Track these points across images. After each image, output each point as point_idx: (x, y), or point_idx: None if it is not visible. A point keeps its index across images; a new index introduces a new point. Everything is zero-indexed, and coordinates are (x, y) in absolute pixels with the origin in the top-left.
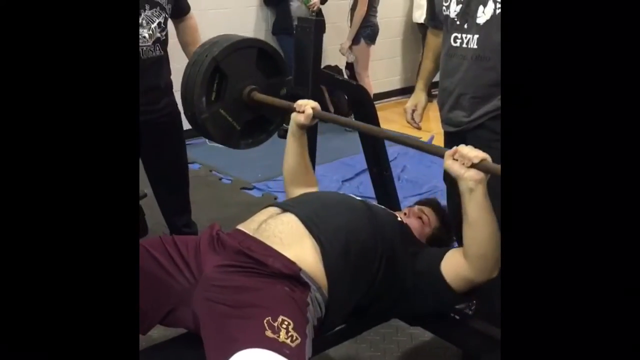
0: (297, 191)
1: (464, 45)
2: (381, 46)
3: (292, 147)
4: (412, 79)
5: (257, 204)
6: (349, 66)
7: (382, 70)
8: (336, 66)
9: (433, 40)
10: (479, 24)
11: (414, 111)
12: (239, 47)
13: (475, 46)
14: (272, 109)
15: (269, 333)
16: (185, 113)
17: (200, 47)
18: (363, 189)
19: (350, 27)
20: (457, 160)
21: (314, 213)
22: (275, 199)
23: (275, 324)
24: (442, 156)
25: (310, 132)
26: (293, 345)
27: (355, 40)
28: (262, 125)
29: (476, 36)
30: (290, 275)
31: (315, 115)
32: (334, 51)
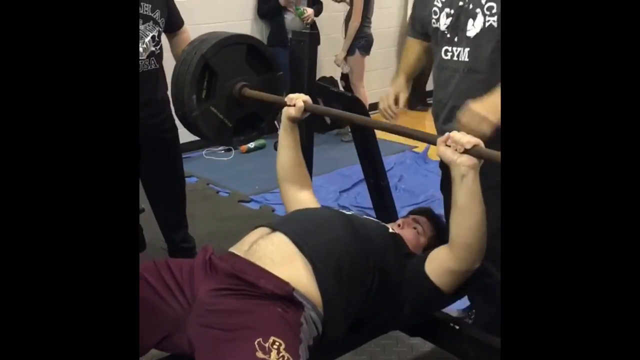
0: (291, 188)
1: (455, 58)
2: (376, 57)
3: (284, 142)
4: None
5: (254, 217)
6: (344, 77)
7: (377, 80)
8: (331, 77)
9: (414, 44)
10: (469, 37)
11: (396, 100)
12: (227, 44)
13: (467, 59)
14: (263, 105)
15: (259, 354)
16: (176, 112)
17: (188, 45)
18: (360, 199)
19: (345, 38)
20: (449, 146)
21: (303, 231)
22: (273, 211)
23: (267, 345)
24: (433, 143)
25: (306, 142)
26: None
27: (350, 51)
28: (254, 122)
29: (467, 49)
30: (282, 295)
31: (306, 108)
32: (329, 62)
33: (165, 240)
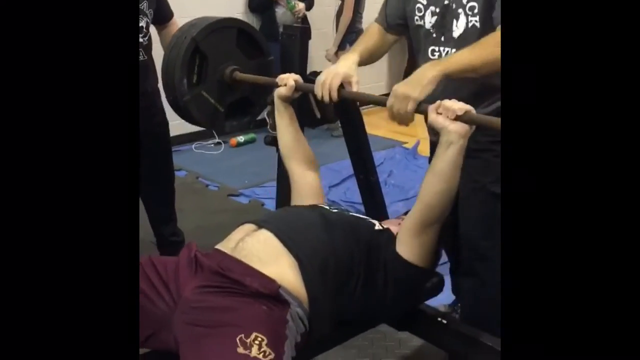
0: (298, 167)
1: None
2: None
3: (281, 122)
4: (400, 80)
5: (244, 211)
6: None
7: (367, 75)
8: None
9: (377, 31)
10: (454, 37)
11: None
12: (217, 27)
13: None
14: (255, 89)
15: (240, 349)
16: (167, 97)
17: (178, 30)
18: (350, 194)
19: (336, 33)
20: (441, 113)
21: (290, 229)
22: (262, 205)
23: (248, 341)
24: (426, 112)
25: None
26: None
27: (341, 46)
28: (245, 106)
29: (453, 50)
30: (268, 294)
31: (297, 87)
32: (320, 57)
33: (155, 233)
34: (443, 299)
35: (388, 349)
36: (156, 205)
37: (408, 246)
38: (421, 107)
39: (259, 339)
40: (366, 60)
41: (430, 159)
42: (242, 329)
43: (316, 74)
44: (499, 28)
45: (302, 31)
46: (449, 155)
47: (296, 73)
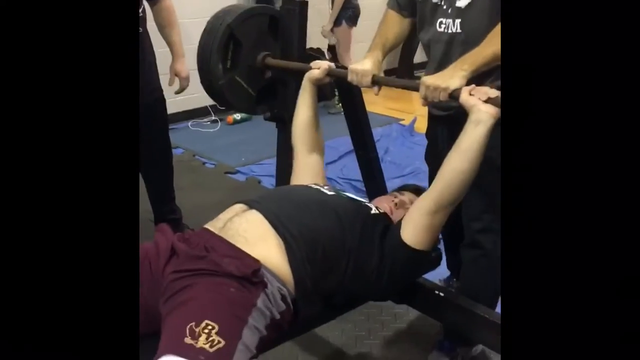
0: (303, 148)
1: (449, 31)
2: (363, 28)
3: (304, 103)
4: (395, 61)
5: (241, 189)
6: (331, 48)
7: (364, 52)
8: (319, 49)
9: (394, 18)
10: (459, 7)
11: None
12: (252, 14)
13: (459, 30)
14: (286, 74)
15: (187, 339)
16: (202, 82)
17: (213, 17)
18: (347, 171)
19: (332, 9)
20: (473, 95)
21: (279, 210)
22: (259, 182)
23: (197, 330)
24: (456, 96)
25: None
26: (212, 350)
27: (336, 23)
28: (277, 91)
29: (458, 20)
30: (240, 277)
31: (330, 72)
32: (316, 33)
33: (153, 211)
34: (437, 274)
35: (384, 323)
36: (154, 183)
37: (415, 229)
38: (454, 93)
39: (209, 327)
40: (389, 50)
41: (427, 134)
42: (194, 316)
43: (313, 50)
44: None
45: (301, 5)
46: (477, 134)
47: (296, 47)
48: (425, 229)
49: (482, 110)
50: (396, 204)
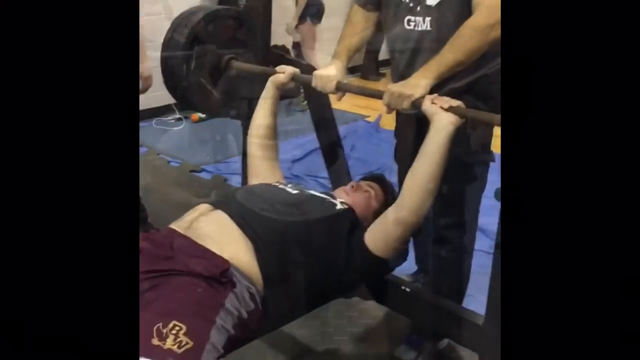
0: (258, 151)
1: (418, 28)
2: (327, 25)
3: (265, 105)
4: (359, 58)
5: (206, 187)
6: (296, 45)
7: (329, 49)
8: (283, 46)
9: (360, 16)
10: (429, 5)
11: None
12: (216, 16)
13: (430, 28)
14: (250, 77)
15: (155, 340)
16: (165, 83)
17: (177, 17)
18: (314, 168)
19: (296, 6)
20: (435, 103)
21: (245, 210)
22: (225, 180)
23: (165, 330)
24: (419, 107)
25: None
26: (180, 351)
27: (301, 20)
28: (242, 89)
29: (428, 18)
30: (208, 276)
31: (294, 77)
32: (281, 31)
33: None
34: (405, 269)
35: (352, 319)
36: None
37: (380, 239)
38: (417, 102)
39: (177, 327)
40: (355, 53)
41: (395, 134)
42: (161, 317)
43: (278, 47)
44: (476, 14)
45: (265, 2)
46: (439, 139)
47: (260, 44)
48: (389, 237)
49: (443, 118)
50: (352, 187)
